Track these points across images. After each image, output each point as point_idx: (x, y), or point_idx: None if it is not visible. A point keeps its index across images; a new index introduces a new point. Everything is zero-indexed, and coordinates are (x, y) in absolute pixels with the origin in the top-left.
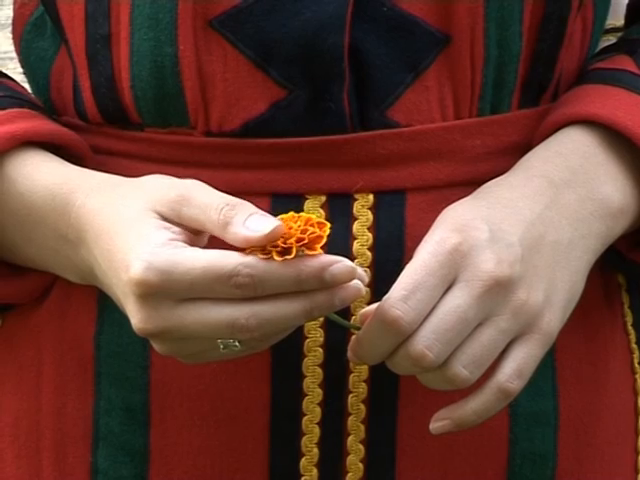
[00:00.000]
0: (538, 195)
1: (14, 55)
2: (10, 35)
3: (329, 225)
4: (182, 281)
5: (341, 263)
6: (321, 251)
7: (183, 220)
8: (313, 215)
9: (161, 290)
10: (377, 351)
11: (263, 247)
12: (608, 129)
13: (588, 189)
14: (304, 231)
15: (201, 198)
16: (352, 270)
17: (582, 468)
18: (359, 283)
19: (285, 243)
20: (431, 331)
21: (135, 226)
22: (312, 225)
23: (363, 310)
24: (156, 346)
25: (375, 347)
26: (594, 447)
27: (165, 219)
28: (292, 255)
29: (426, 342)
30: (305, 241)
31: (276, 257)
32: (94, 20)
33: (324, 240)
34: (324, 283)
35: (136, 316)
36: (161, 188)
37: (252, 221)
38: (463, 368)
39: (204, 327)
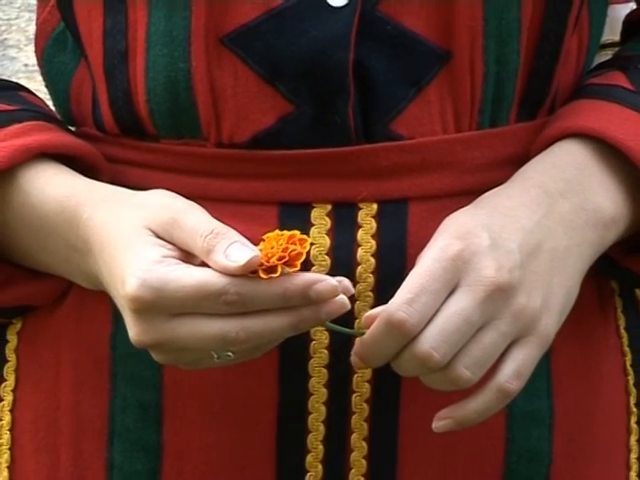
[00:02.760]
0: (535, 205)
1: None
2: None
3: (309, 241)
4: (174, 298)
5: (325, 281)
6: (320, 259)
7: (174, 242)
8: (297, 231)
9: (154, 306)
10: (382, 353)
11: None
12: (601, 142)
13: (582, 199)
14: (285, 249)
15: (190, 223)
16: (335, 287)
17: (576, 465)
18: (344, 298)
19: (268, 262)
20: (437, 332)
21: (132, 242)
22: (294, 242)
23: (368, 313)
24: (154, 356)
25: (380, 349)
26: (588, 445)
27: (159, 237)
28: (277, 274)
29: (432, 343)
30: (286, 259)
31: (262, 275)
32: (112, 37)
33: (303, 257)
34: (309, 300)
35: (132, 329)
36: (157, 208)
37: (232, 250)
38: (465, 369)
39: (197, 340)
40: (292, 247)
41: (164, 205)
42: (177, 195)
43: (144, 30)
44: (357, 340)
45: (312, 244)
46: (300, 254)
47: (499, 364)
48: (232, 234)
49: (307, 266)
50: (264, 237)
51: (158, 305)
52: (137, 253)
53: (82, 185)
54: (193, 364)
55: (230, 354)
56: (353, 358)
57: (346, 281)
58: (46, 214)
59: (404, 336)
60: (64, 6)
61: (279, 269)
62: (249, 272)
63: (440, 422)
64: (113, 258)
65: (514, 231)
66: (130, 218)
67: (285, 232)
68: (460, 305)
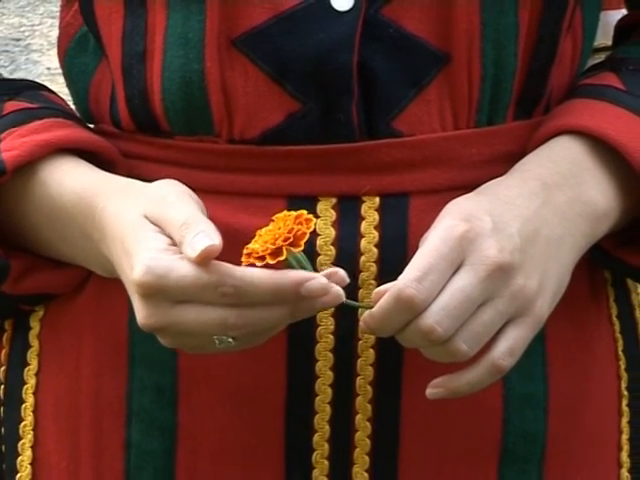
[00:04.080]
0: (533, 195)
1: None
2: None
3: (314, 221)
4: (176, 287)
5: (315, 280)
6: (326, 250)
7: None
8: (304, 211)
9: (158, 292)
10: (390, 326)
11: (257, 252)
12: (595, 139)
13: (577, 192)
14: (290, 230)
15: (171, 217)
16: (325, 286)
17: (569, 446)
18: (338, 290)
19: (274, 244)
20: (441, 308)
21: (138, 231)
22: (300, 222)
23: (377, 289)
24: (160, 339)
25: (388, 322)
26: (581, 427)
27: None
28: (283, 256)
29: (436, 318)
30: (290, 239)
31: (269, 260)
32: (131, 38)
33: (307, 236)
34: (301, 297)
35: (139, 312)
36: (153, 200)
37: (196, 240)
38: (463, 343)
39: (198, 325)
40: (297, 227)
41: (159, 197)
42: (177, 184)
43: (162, 33)
44: (366, 312)
45: (318, 234)
46: (304, 234)
47: (494, 341)
48: (199, 224)
49: (313, 255)
50: (273, 218)
51: (162, 291)
52: (144, 241)
53: (98, 178)
54: (197, 349)
55: (231, 340)
56: (361, 325)
57: (341, 272)
58: (64, 205)
59: (412, 311)
60: (86, 10)
61: (284, 251)
62: (259, 257)
63: (434, 390)
64: (122, 247)
65: (513, 217)
66: (135, 208)
67: (292, 212)
68: (463, 283)
